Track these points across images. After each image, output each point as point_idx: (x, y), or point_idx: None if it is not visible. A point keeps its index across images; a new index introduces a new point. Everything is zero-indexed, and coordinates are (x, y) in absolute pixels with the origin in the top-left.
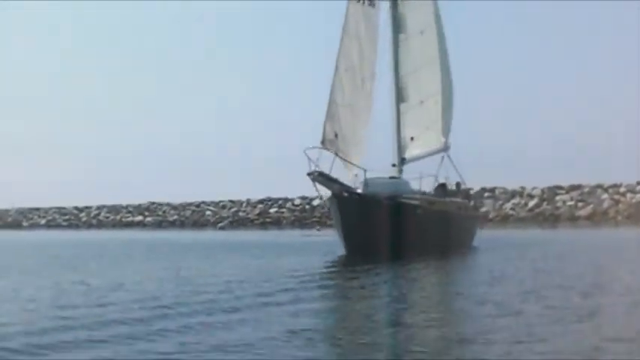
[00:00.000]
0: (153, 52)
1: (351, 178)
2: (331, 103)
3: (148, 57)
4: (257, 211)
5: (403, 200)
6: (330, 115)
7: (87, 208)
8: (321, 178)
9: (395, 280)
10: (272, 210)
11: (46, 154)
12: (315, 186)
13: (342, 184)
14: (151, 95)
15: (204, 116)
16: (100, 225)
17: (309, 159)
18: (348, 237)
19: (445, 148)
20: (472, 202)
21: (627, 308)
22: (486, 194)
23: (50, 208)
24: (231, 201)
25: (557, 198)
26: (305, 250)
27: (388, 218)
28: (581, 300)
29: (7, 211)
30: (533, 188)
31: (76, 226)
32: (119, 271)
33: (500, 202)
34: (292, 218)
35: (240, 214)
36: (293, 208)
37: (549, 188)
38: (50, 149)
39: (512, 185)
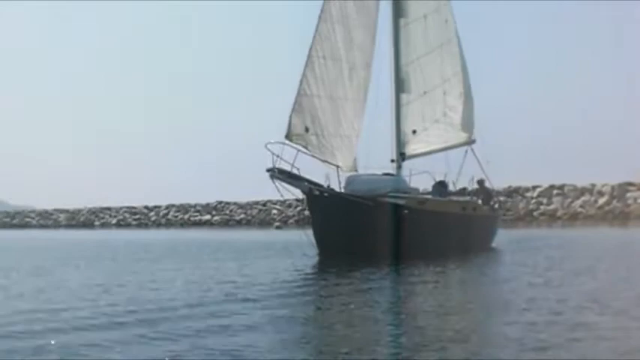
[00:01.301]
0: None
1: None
2: (300, 94)
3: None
4: None
5: (386, 199)
6: (299, 107)
7: (156, 207)
8: (281, 175)
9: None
10: None
11: (117, 155)
12: (275, 184)
13: (310, 182)
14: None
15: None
16: (169, 224)
17: (273, 154)
18: (319, 238)
19: (468, 142)
20: (495, 202)
21: None
22: (555, 191)
23: (121, 208)
24: (297, 199)
25: (628, 195)
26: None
27: (366, 218)
28: None
29: (79, 211)
30: (604, 185)
31: (146, 225)
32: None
33: (570, 200)
34: None
35: (307, 212)
36: None
37: (620, 185)
38: (124, 150)
39: (582, 182)
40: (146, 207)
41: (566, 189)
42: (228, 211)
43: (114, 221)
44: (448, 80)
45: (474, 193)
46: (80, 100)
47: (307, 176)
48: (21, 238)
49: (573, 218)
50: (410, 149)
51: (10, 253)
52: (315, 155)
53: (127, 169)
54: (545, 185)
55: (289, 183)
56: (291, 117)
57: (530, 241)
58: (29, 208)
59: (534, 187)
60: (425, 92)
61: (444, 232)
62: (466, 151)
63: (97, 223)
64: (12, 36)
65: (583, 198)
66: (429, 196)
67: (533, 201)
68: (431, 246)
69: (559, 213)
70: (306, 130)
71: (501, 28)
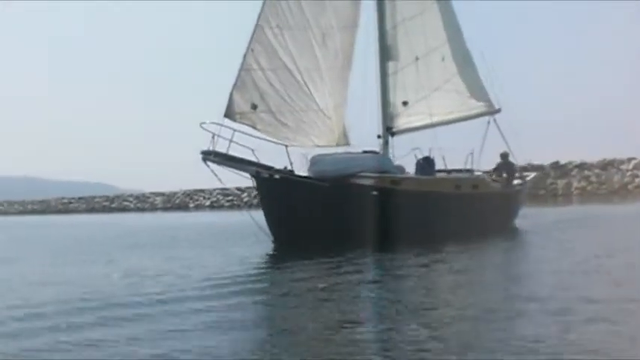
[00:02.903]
0: None
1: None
2: (245, 69)
3: None
4: None
5: (352, 181)
6: (242, 83)
7: (248, 188)
8: (218, 158)
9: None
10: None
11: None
12: (210, 169)
13: (256, 164)
14: None
15: None
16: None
17: (214, 135)
18: (272, 225)
19: (489, 112)
20: (520, 176)
21: None
22: None
23: (214, 189)
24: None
25: None
26: None
27: (323, 202)
28: None
29: (175, 193)
30: None
31: (238, 207)
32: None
33: None
34: None
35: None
36: None
37: None
38: None
39: None
40: (238, 188)
41: None
42: None
43: (207, 203)
44: (446, 43)
45: (496, 168)
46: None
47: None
48: (101, 222)
49: None
50: (401, 123)
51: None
52: (267, 135)
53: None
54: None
55: (231, 167)
56: (231, 94)
57: (591, 219)
58: (138, 192)
59: (629, 160)
60: (417, 58)
61: (429, 214)
62: (488, 122)
63: (191, 205)
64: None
65: None
66: (418, 176)
67: (629, 174)
68: (415, 230)
69: None
70: (254, 107)
71: None
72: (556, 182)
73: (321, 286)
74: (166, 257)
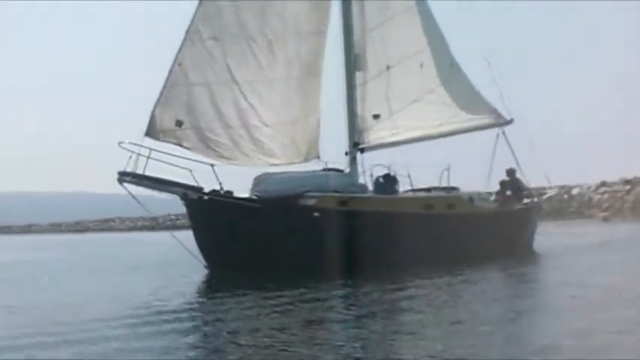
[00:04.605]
0: None
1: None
2: (172, 85)
3: None
4: None
5: (295, 201)
6: (166, 99)
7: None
8: (136, 179)
9: None
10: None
11: None
12: (127, 191)
13: (183, 185)
14: None
15: None
16: None
17: (131, 156)
18: (203, 249)
19: (496, 123)
20: (528, 195)
21: None
22: None
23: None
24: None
25: None
26: None
27: (257, 224)
28: None
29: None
30: None
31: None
32: None
33: None
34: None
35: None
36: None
37: None
38: None
39: None
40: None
41: None
42: None
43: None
44: (425, 49)
45: (501, 185)
46: None
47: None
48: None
49: None
50: (372, 138)
51: None
52: (197, 153)
53: None
54: None
55: (153, 188)
56: (153, 111)
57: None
58: None
59: None
60: (388, 67)
61: (387, 237)
62: (497, 136)
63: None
64: None
65: None
66: (371, 195)
67: None
68: (369, 257)
69: None
70: (179, 123)
71: None
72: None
73: None
74: None
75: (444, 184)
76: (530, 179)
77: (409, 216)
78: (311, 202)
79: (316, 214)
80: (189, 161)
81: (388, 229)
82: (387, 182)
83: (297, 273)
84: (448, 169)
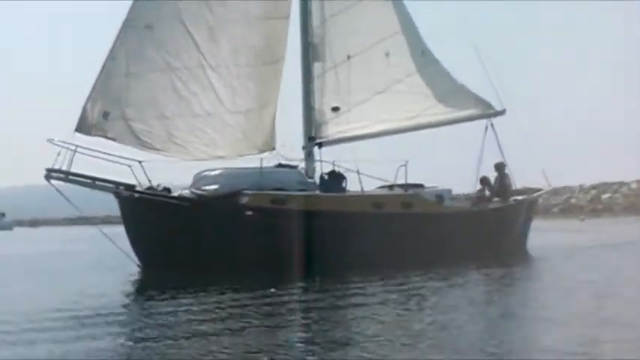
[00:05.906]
0: None
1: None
2: (104, 77)
3: None
4: (588, 197)
5: (230, 200)
6: (95, 92)
7: None
8: (63, 175)
9: None
10: (604, 196)
11: None
12: (55, 188)
13: (114, 182)
14: None
15: None
16: None
17: (60, 152)
18: (136, 249)
19: (484, 114)
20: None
21: None
22: None
23: None
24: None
25: None
26: None
27: (189, 223)
28: None
29: None
30: None
31: None
32: None
33: None
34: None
35: (572, 200)
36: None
37: None
38: None
39: None
40: None
41: None
42: None
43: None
44: (391, 37)
45: (481, 182)
46: None
47: None
48: None
49: None
50: (331, 132)
51: None
52: (125, 145)
53: None
54: None
55: (84, 185)
56: (84, 106)
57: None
58: None
59: None
60: (349, 57)
61: (328, 238)
62: (486, 128)
63: None
64: None
65: None
66: (313, 193)
67: None
68: (313, 256)
69: None
70: (105, 115)
71: None
72: None
73: None
74: None
75: (401, 182)
76: (527, 176)
77: (353, 215)
78: (244, 200)
79: (249, 212)
80: (135, 156)
81: (328, 229)
82: (332, 179)
83: (228, 273)
84: (406, 164)
